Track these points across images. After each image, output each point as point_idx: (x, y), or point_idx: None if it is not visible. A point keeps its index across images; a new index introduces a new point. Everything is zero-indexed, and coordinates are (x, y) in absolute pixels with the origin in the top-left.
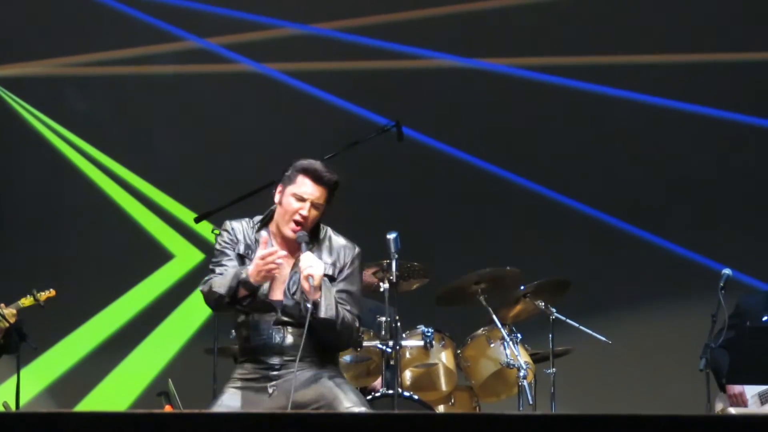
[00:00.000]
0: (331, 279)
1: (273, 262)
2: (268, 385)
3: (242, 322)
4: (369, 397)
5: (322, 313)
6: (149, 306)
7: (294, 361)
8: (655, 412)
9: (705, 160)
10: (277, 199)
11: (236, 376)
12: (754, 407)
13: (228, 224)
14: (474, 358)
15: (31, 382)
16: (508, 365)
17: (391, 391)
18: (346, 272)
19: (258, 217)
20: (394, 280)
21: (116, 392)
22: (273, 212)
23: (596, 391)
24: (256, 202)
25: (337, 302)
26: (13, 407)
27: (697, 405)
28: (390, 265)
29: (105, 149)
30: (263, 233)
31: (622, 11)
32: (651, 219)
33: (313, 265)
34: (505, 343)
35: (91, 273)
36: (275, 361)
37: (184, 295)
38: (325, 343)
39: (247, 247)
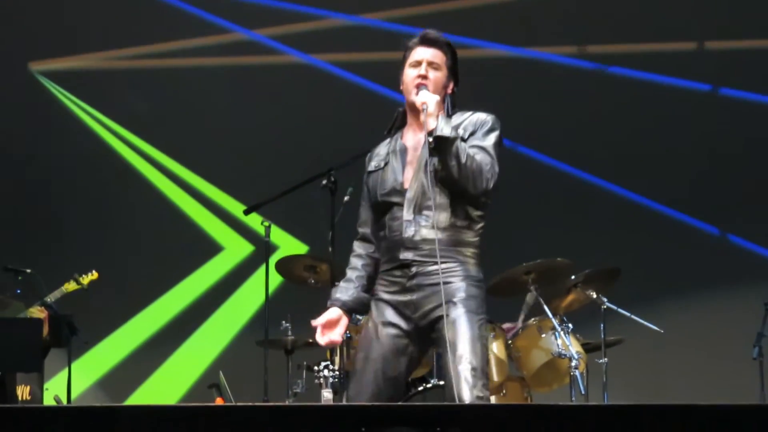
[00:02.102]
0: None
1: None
2: (407, 285)
3: (381, 223)
4: (421, 388)
5: (439, 131)
6: (199, 298)
7: (429, 260)
8: (707, 401)
9: (759, 147)
10: (402, 87)
11: (378, 287)
12: None
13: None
14: (525, 348)
15: (82, 376)
16: (560, 355)
17: (442, 382)
18: (479, 132)
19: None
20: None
21: (167, 385)
22: (399, 113)
23: (648, 381)
24: (307, 193)
25: (459, 137)
26: (64, 401)
27: (751, 394)
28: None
29: (154, 142)
30: (396, 138)
31: None
32: (703, 207)
33: (428, 97)
34: (557, 333)
35: (141, 266)
36: (408, 256)
37: (234, 288)
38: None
39: (384, 157)
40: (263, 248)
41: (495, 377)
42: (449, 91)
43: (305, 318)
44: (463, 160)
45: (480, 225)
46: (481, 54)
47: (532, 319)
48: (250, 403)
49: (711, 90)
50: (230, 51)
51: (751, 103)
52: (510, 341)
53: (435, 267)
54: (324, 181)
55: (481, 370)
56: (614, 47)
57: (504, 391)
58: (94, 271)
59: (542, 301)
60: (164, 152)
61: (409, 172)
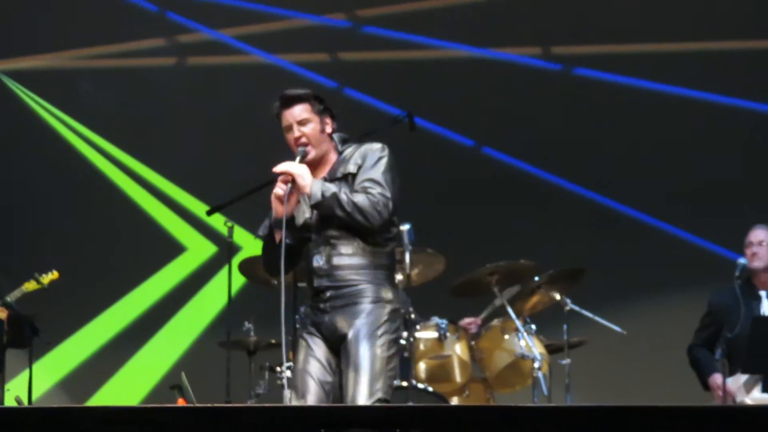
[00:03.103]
0: (352, 174)
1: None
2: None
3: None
4: None
5: (312, 201)
6: (162, 299)
7: (339, 284)
8: (669, 402)
9: (723, 148)
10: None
11: (305, 319)
12: (741, 397)
13: None
14: (488, 349)
15: (44, 377)
16: (523, 356)
17: (405, 383)
18: (367, 164)
19: None
20: (408, 272)
21: (129, 386)
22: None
23: (611, 382)
24: (269, 194)
25: (335, 192)
26: (25, 402)
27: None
28: (404, 256)
29: (117, 142)
30: None
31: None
32: (665, 208)
33: (293, 169)
34: (520, 334)
35: (104, 266)
36: (323, 283)
37: (197, 288)
38: (361, 251)
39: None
40: (226, 249)
41: (458, 378)
42: (329, 131)
43: (268, 319)
44: (348, 209)
45: (388, 247)
46: (444, 55)
47: (496, 320)
48: (212, 404)
49: (673, 91)
50: (194, 51)
51: (714, 105)
52: (473, 342)
53: (346, 290)
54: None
55: (376, 382)
56: (578, 48)
57: (467, 392)
58: (54, 271)
59: (506, 303)
60: (127, 152)
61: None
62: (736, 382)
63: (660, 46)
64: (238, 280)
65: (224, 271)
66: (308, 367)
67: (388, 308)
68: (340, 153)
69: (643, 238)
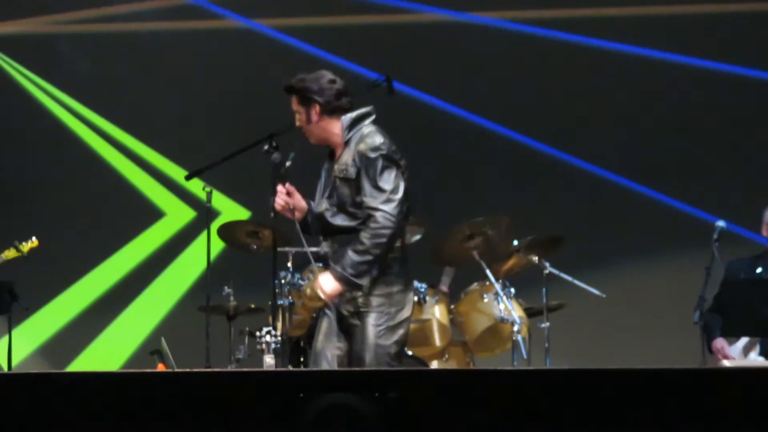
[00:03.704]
0: (352, 180)
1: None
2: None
3: None
4: None
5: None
6: (141, 265)
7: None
8: (648, 365)
9: (700, 111)
10: None
11: None
12: (739, 359)
13: None
14: (468, 313)
15: (23, 343)
16: (502, 320)
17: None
18: (368, 172)
19: None
20: None
21: (109, 352)
22: None
23: (590, 345)
24: (248, 159)
25: (350, 263)
26: (5, 368)
27: (692, 357)
28: None
29: (94, 107)
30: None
31: None
32: (644, 171)
33: (321, 288)
34: (499, 298)
35: (82, 233)
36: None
37: (176, 254)
38: None
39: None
40: (205, 214)
41: (438, 342)
42: (315, 119)
43: (247, 284)
44: (371, 257)
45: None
46: (419, 18)
47: (475, 283)
48: (191, 369)
49: (652, 54)
50: (172, 15)
51: (695, 69)
52: (452, 306)
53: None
54: (266, 147)
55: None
56: (555, 12)
57: (446, 356)
58: (34, 238)
59: (484, 265)
60: (105, 118)
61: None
62: (736, 345)
63: (636, 10)
64: (217, 245)
65: (203, 236)
66: (326, 351)
67: (393, 291)
68: (346, 141)
69: (621, 202)
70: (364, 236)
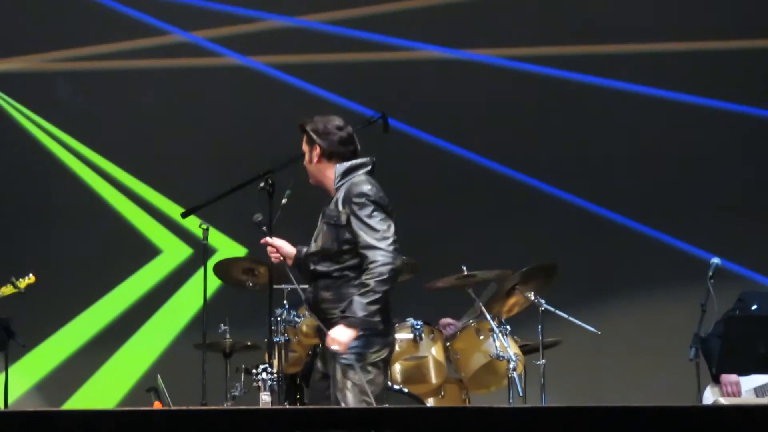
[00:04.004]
0: (341, 226)
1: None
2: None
3: None
4: None
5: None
6: (137, 302)
7: (326, 318)
8: (644, 402)
9: (698, 149)
10: None
11: None
12: (747, 396)
13: None
14: (464, 350)
15: (20, 380)
16: (498, 357)
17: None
18: (357, 215)
19: None
20: None
21: (105, 389)
22: None
23: (586, 382)
24: (244, 196)
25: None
26: (1, 406)
27: (688, 395)
28: None
29: (91, 145)
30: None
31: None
32: (639, 208)
33: (335, 341)
34: (495, 335)
35: (79, 270)
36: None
37: (173, 291)
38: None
39: None
40: (201, 251)
41: (434, 379)
42: (315, 160)
43: (243, 321)
44: (377, 294)
45: None
46: (414, 56)
47: (471, 321)
48: (188, 407)
49: (643, 91)
50: (167, 53)
51: (686, 106)
52: (448, 343)
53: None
54: (262, 184)
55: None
56: (551, 49)
57: (442, 393)
58: (31, 275)
59: (481, 305)
60: (102, 155)
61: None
62: (750, 383)
63: (633, 47)
64: (214, 283)
65: (199, 273)
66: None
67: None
68: (337, 188)
69: (617, 239)
70: (366, 278)
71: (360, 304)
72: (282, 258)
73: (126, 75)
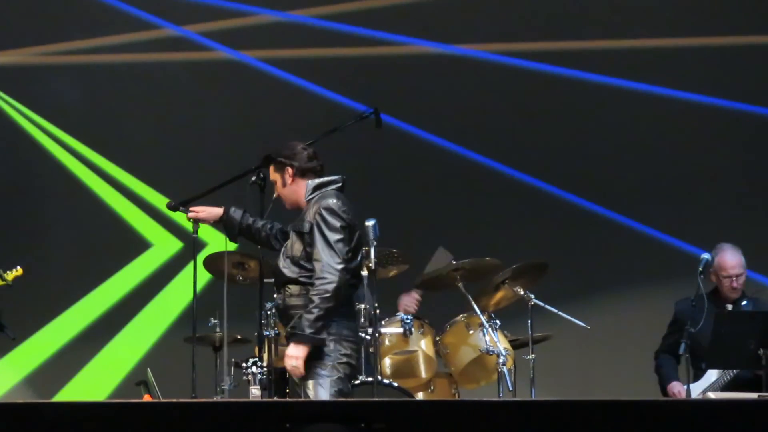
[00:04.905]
0: (305, 233)
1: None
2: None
3: None
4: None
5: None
6: (128, 295)
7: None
8: (633, 397)
9: (688, 145)
10: None
11: None
12: None
13: None
14: (453, 344)
15: (9, 373)
16: (488, 351)
17: (370, 379)
18: (317, 232)
19: None
20: (373, 267)
21: (95, 382)
22: None
23: (576, 377)
24: (234, 190)
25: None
26: None
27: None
28: (369, 252)
29: (81, 138)
30: None
31: None
32: (630, 204)
33: (289, 357)
34: (484, 330)
35: (69, 262)
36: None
37: (163, 284)
38: None
39: None
40: (191, 245)
41: (423, 374)
42: (289, 181)
43: (234, 315)
44: (322, 310)
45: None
46: (406, 51)
47: (460, 315)
48: (178, 400)
49: (635, 87)
50: (158, 47)
51: (673, 101)
52: (438, 338)
53: None
54: (253, 178)
55: None
56: (542, 45)
57: (432, 388)
58: (18, 267)
59: (470, 298)
60: (92, 148)
61: None
62: (696, 389)
63: (627, 42)
64: (204, 276)
65: (189, 266)
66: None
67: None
68: (308, 201)
69: (606, 234)
70: (312, 294)
71: (307, 321)
72: (204, 218)
73: (116, 69)
